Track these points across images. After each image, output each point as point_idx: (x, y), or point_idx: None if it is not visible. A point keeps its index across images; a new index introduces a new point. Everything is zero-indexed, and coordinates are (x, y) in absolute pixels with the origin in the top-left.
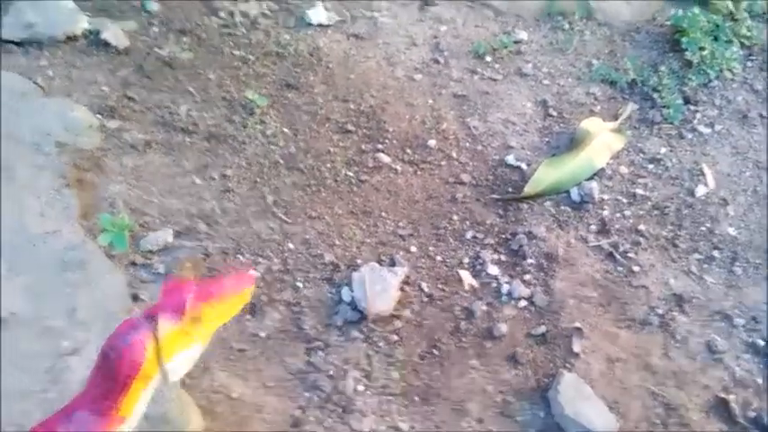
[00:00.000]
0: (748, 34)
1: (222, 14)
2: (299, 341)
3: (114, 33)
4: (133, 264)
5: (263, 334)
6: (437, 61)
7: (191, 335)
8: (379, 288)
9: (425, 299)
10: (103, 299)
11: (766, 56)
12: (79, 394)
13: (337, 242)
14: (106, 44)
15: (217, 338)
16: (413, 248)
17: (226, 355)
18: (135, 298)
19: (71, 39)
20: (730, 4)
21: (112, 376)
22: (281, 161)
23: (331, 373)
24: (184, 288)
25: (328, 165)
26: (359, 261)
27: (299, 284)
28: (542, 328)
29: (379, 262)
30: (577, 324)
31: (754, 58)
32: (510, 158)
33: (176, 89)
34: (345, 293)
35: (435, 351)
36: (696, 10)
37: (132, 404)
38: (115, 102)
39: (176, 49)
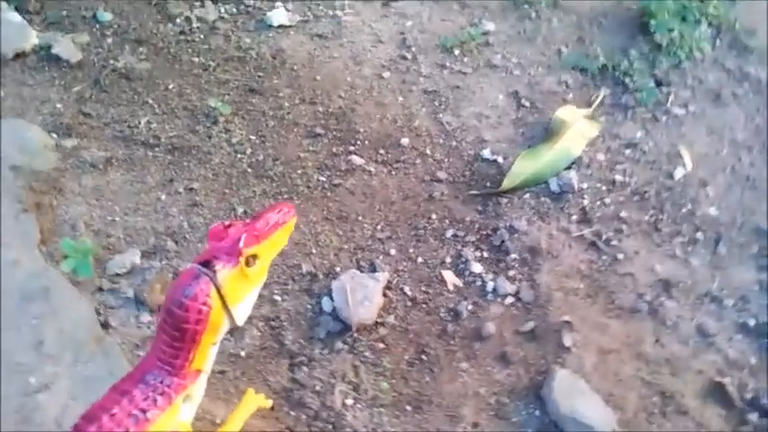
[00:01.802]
0: (716, 13)
1: (179, 21)
2: (282, 358)
3: (66, 47)
4: (100, 289)
5: (242, 353)
6: (405, 58)
7: (249, 275)
8: (361, 296)
9: (409, 303)
10: (71, 328)
11: (734, 34)
12: (146, 356)
13: (314, 251)
14: (58, 59)
15: None
16: (392, 251)
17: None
18: (104, 325)
19: (20, 55)
20: None
21: (180, 332)
22: (250, 170)
23: (317, 388)
24: (233, 230)
25: (299, 171)
26: (338, 269)
27: (277, 298)
28: (531, 324)
29: (359, 268)
30: (566, 317)
31: (722, 36)
32: (485, 152)
33: (135, 102)
34: (326, 304)
35: (423, 357)
36: None
37: (204, 357)
38: (71, 119)
39: (132, 59)
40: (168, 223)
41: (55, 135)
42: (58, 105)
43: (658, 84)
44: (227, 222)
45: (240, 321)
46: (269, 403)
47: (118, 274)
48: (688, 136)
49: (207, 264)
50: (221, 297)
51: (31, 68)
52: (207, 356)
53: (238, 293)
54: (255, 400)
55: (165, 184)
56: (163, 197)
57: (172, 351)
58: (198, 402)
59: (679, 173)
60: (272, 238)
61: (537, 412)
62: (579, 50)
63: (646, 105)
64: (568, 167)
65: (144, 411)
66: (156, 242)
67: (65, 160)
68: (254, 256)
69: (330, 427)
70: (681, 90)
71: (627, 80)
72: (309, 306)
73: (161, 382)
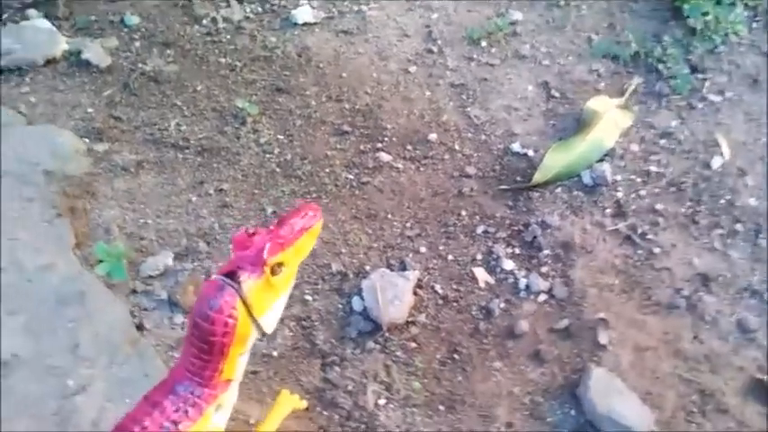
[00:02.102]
0: None
1: (205, 22)
2: (314, 357)
3: (95, 52)
4: (134, 292)
5: (275, 353)
6: (431, 51)
7: (275, 284)
8: (391, 295)
9: (440, 301)
10: (106, 332)
11: None
12: (175, 368)
13: (343, 250)
14: (88, 64)
15: None
16: (422, 249)
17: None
18: (139, 327)
19: (51, 62)
20: None
21: (208, 344)
22: (278, 170)
23: (350, 388)
24: (257, 238)
25: (327, 169)
26: (367, 268)
27: (308, 298)
28: (565, 322)
29: (389, 267)
30: (601, 314)
31: (758, 18)
32: (515, 146)
33: (164, 104)
34: (357, 303)
35: (456, 356)
36: None
37: (233, 366)
38: (102, 123)
39: (160, 62)
40: (199, 225)
41: (87, 140)
42: (90, 110)
43: (693, 70)
44: (251, 230)
45: (269, 330)
46: (303, 404)
47: (151, 277)
48: (725, 123)
49: (231, 275)
50: (247, 308)
51: (62, 74)
52: (236, 366)
53: (265, 303)
54: (290, 401)
55: (196, 186)
56: (194, 199)
57: (200, 363)
58: (230, 409)
59: (716, 162)
60: (298, 245)
61: (572, 412)
62: (610, 38)
63: (680, 93)
64: (601, 159)
65: (176, 423)
66: (187, 244)
67: (97, 164)
68: (280, 264)
69: (363, 427)
70: (717, 76)
71: (660, 67)
72: (340, 306)
73: (192, 393)
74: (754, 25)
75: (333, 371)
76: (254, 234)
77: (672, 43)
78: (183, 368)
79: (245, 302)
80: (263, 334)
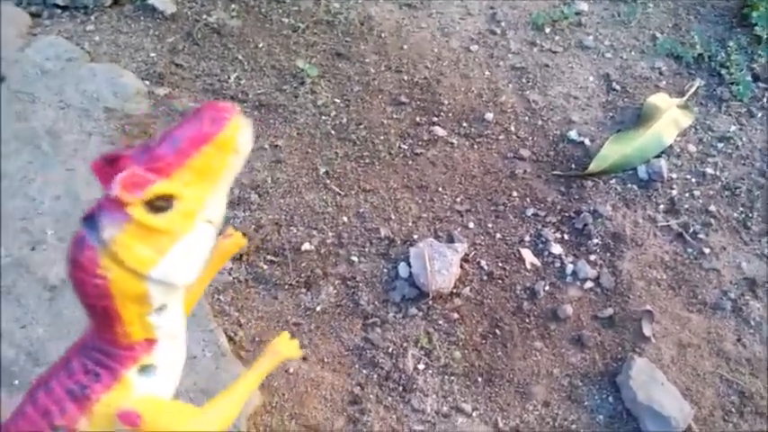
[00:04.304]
0: None
1: None
2: (356, 317)
3: None
4: None
5: (318, 308)
6: (494, 32)
7: (161, 225)
8: (439, 265)
9: (485, 277)
10: None
11: None
12: (84, 335)
13: (393, 216)
14: (153, 10)
15: (272, 311)
16: (471, 225)
17: (281, 328)
18: None
19: (117, 3)
20: None
21: (89, 308)
22: (333, 132)
23: (390, 350)
24: (119, 162)
25: (381, 137)
26: (415, 236)
27: (354, 259)
28: (609, 311)
29: (437, 238)
30: (647, 307)
31: None
32: (572, 134)
33: (225, 57)
34: (403, 269)
35: (497, 331)
36: None
37: (146, 325)
38: (163, 68)
39: (225, 15)
40: (252, 177)
41: (147, 82)
42: (152, 54)
43: (756, 78)
44: (113, 154)
45: (181, 279)
46: (300, 352)
47: None
48: None
49: (93, 218)
50: (119, 260)
51: (127, 17)
52: (150, 325)
53: (153, 250)
54: (288, 348)
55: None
56: None
57: (97, 324)
58: (172, 371)
59: None
60: (194, 164)
61: (610, 398)
62: (675, 38)
63: (741, 99)
64: (658, 156)
65: (84, 387)
66: (240, 194)
67: (156, 107)
68: (166, 197)
69: (401, 388)
70: None
71: (723, 72)
72: (386, 270)
73: (105, 354)
74: None
75: (374, 332)
76: (116, 160)
77: (736, 49)
78: (91, 335)
79: (112, 256)
80: (176, 285)
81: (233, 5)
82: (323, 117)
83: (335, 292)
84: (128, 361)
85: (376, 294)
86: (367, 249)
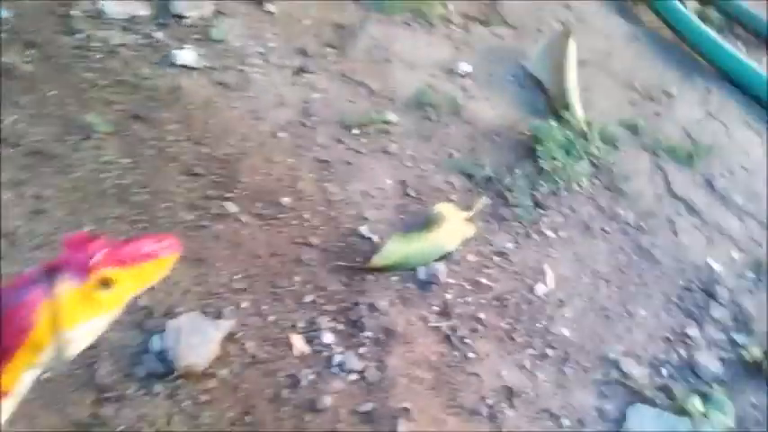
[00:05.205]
0: (597, 154)
1: (79, 36)
2: (89, 389)
3: None
4: None
5: (46, 374)
6: (304, 124)
7: (97, 301)
8: (197, 341)
9: (248, 359)
10: None
11: (611, 176)
12: None
13: (159, 286)
14: None
15: None
16: (245, 304)
17: None
18: None
19: None
20: (584, 125)
21: None
22: (112, 191)
23: (120, 429)
24: (92, 244)
25: (166, 204)
26: (180, 309)
27: None
28: (369, 406)
29: (204, 313)
30: (406, 404)
31: (600, 176)
32: (363, 229)
33: (7, 99)
34: (156, 342)
35: (248, 418)
36: (553, 123)
37: (14, 378)
38: None
39: (18, 59)
40: (5, 223)
41: None
42: None
43: (536, 204)
44: (91, 236)
45: (69, 352)
46: None
47: None
48: (554, 257)
49: (53, 273)
50: (54, 315)
51: None
52: (17, 379)
53: (77, 317)
54: None
55: (14, 185)
56: (8, 196)
57: None
58: None
59: (540, 289)
60: (139, 269)
61: None
62: (469, 158)
63: (521, 221)
64: (439, 259)
65: None
66: None
67: None
68: (110, 281)
69: None
70: (555, 215)
71: (508, 194)
72: (137, 342)
73: None
74: (596, 181)
75: (107, 408)
76: (93, 240)
77: (522, 176)
78: None
79: (53, 307)
80: (61, 356)
81: (31, 51)
82: (103, 174)
83: (71, 360)
84: None
85: (119, 367)
86: (120, 317)
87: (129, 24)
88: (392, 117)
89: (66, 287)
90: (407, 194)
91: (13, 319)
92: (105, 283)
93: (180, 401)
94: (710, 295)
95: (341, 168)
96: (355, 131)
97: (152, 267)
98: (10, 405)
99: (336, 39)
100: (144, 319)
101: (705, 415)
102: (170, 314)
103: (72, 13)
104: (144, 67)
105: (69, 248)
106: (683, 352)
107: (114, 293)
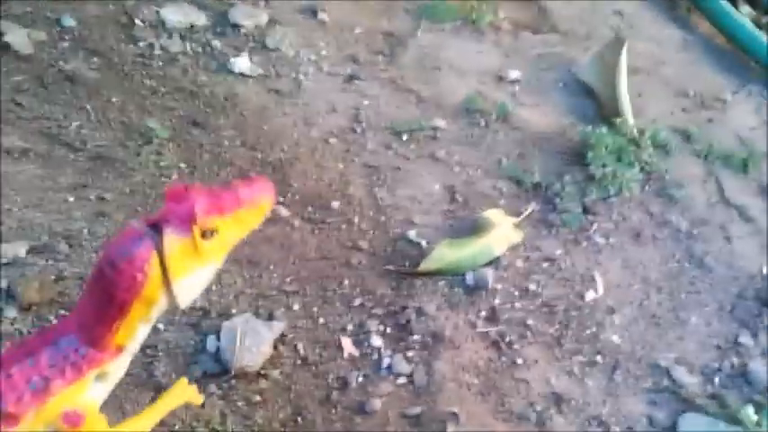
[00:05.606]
0: (649, 161)
1: (141, 44)
2: (147, 389)
3: (19, 38)
4: None
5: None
6: (354, 130)
7: (202, 251)
8: (250, 342)
9: (299, 361)
10: None
11: (663, 183)
12: (69, 316)
13: (213, 287)
14: (8, 47)
15: None
16: (296, 306)
17: None
18: None
19: None
20: (635, 132)
21: (108, 297)
22: None
23: (176, 428)
24: (195, 194)
25: None
26: (233, 311)
27: (160, 326)
28: (418, 409)
29: (257, 315)
30: (454, 409)
31: (652, 183)
32: (411, 234)
33: (72, 105)
34: (211, 343)
35: (299, 419)
36: (604, 130)
37: (131, 332)
38: (1, 104)
39: (83, 66)
40: (68, 225)
41: None
42: None
43: (585, 211)
44: (190, 186)
45: (183, 302)
46: (200, 399)
47: None
48: (604, 264)
49: (155, 226)
50: (164, 267)
51: None
52: (134, 333)
53: (186, 268)
54: (185, 393)
55: (77, 188)
56: (70, 199)
57: (95, 317)
58: (112, 384)
59: (590, 295)
60: (239, 215)
61: None
62: (518, 164)
63: (570, 227)
64: (487, 265)
65: (47, 380)
66: (48, 241)
67: None
68: (213, 230)
69: None
70: (605, 221)
71: (557, 201)
72: (192, 342)
73: (75, 350)
74: (647, 188)
75: None
76: (191, 190)
77: (571, 183)
78: (74, 320)
79: (162, 260)
80: (175, 305)
81: (95, 58)
82: (163, 178)
83: (131, 359)
84: (94, 363)
85: (175, 367)
86: (176, 318)
87: (189, 33)
88: (441, 123)
89: (172, 239)
90: (455, 200)
91: (125, 274)
92: (209, 233)
93: (234, 401)
94: (765, 304)
95: (390, 174)
96: (404, 137)
97: (251, 213)
98: (127, 359)
99: (387, 47)
100: (200, 319)
101: (758, 424)
102: (224, 315)
103: (135, 21)
104: (202, 75)
105: (170, 201)
106: (735, 360)
107: (217, 242)
